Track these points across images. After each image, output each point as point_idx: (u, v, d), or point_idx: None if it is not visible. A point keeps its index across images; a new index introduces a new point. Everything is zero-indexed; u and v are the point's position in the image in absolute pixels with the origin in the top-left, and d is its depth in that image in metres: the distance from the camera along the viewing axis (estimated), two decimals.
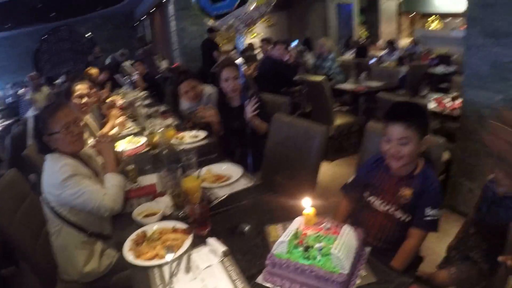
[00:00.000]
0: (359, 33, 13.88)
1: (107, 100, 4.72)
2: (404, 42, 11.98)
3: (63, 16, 13.64)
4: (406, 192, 1.88)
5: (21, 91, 9.59)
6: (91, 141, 2.88)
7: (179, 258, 1.63)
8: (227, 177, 2.42)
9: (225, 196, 2.20)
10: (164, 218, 1.98)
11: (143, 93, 6.13)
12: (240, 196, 2.21)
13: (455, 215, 3.37)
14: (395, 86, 5.90)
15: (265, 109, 3.13)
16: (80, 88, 3.43)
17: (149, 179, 2.51)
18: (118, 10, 15.72)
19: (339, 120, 5.24)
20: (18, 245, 1.99)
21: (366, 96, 5.60)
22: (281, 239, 1.41)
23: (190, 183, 1.98)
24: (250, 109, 2.98)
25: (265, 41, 7.70)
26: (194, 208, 1.78)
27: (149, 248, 1.71)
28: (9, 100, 9.74)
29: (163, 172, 2.19)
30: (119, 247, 1.76)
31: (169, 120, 4.03)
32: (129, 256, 1.68)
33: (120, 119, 3.95)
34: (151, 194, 2.28)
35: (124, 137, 3.48)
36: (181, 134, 3.37)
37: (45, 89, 7.37)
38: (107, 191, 2.08)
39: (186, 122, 3.79)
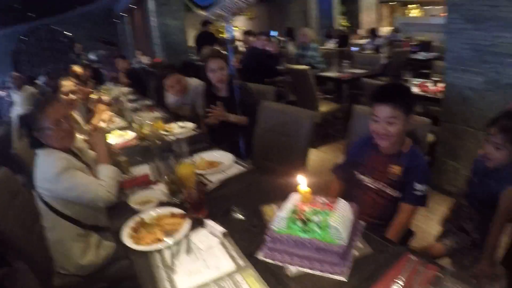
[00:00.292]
0: (340, 22, 13.96)
1: (92, 96, 4.70)
2: (385, 30, 12.09)
3: (41, 15, 13.46)
4: (395, 169, 1.95)
5: (0, 92, 9.44)
6: (79, 136, 2.88)
7: (179, 241, 1.66)
8: (220, 163, 2.46)
9: (220, 181, 2.24)
10: (161, 205, 2.01)
11: (127, 89, 6.12)
12: (234, 181, 2.25)
13: (441, 195, 3.45)
14: (377, 72, 5.99)
15: (251, 99, 3.17)
16: (67, 84, 3.43)
17: (141, 170, 2.52)
18: (96, 8, 15.58)
19: (323, 108, 5.30)
20: (12, 242, 1.95)
21: (350, 83, 5.68)
22: (280, 215, 1.45)
23: (184, 170, 2.01)
24: (218, 113, 3.12)
25: (247, 33, 7.72)
26: (190, 192, 1.81)
27: (148, 234, 1.74)
28: None
29: (157, 161, 2.21)
30: (116, 237, 1.77)
31: (156, 113, 4.04)
32: (128, 242, 1.70)
33: (107, 113, 3.94)
34: (145, 183, 2.30)
35: (111, 131, 3.48)
36: (170, 125, 3.39)
37: (29, 88, 7.28)
38: (102, 182, 2.08)
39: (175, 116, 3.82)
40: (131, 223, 1.84)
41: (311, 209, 1.47)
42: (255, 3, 14.30)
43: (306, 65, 5.57)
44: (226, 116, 3.16)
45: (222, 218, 1.79)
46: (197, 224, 1.77)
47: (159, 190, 2.13)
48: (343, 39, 9.37)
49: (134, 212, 1.95)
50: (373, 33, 9.51)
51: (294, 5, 13.94)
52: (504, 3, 2.88)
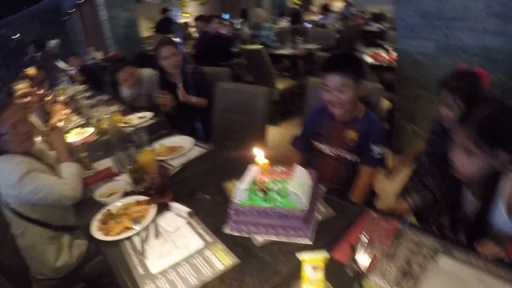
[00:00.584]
0: (292, 0, 13.98)
1: (47, 98, 4.61)
2: (338, 5, 12.18)
3: None
4: (351, 134, 2.02)
5: None
6: (38, 139, 2.83)
7: (147, 226, 1.69)
8: (180, 148, 2.48)
9: (182, 164, 2.26)
10: (126, 194, 2.01)
11: (82, 86, 6.01)
12: (196, 163, 2.29)
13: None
14: (331, 46, 6.06)
15: (207, 82, 3.18)
16: (22, 87, 3.36)
17: (105, 164, 2.51)
18: (44, 7, 15.10)
19: (281, 85, 5.35)
20: None
21: (305, 59, 5.74)
22: (241, 188, 1.49)
23: (145, 157, 2.02)
24: (181, 93, 3.12)
25: (198, 19, 7.64)
26: (153, 178, 1.83)
27: (116, 224, 1.74)
28: None
29: (118, 153, 2.21)
30: (86, 233, 1.77)
31: (113, 107, 3.99)
32: (98, 235, 1.70)
33: (64, 113, 3.88)
34: (108, 176, 2.30)
35: (71, 130, 3.43)
36: (128, 117, 3.37)
37: None
38: (65, 180, 2.08)
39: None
40: (98, 216, 1.84)
41: (270, 179, 1.51)
42: None
43: (261, 44, 5.59)
44: (188, 98, 3.16)
45: (187, 199, 1.82)
46: (163, 208, 1.79)
47: (123, 181, 2.14)
48: (296, 17, 9.42)
49: (101, 205, 1.95)
50: (325, 8, 9.59)
51: None
52: None
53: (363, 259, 1.25)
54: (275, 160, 1.65)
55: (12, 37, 14.53)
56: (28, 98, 3.36)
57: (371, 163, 2.01)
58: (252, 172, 1.59)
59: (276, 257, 1.35)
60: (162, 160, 2.33)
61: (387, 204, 2.27)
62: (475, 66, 1.98)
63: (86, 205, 2.07)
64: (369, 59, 4.42)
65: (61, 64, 8.70)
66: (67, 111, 3.96)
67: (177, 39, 3.67)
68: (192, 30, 9.96)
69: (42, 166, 2.14)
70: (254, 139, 2.66)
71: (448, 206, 1.74)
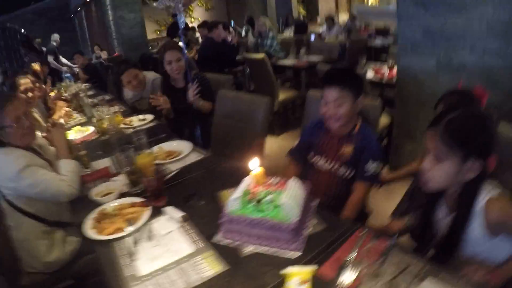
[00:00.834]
0: (298, 10, 14.07)
1: (51, 94, 4.65)
2: (343, 18, 12.26)
3: None
4: (347, 149, 2.04)
5: None
6: (39, 134, 2.86)
7: (140, 228, 1.71)
8: (178, 152, 2.50)
9: (178, 169, 2.29)
10: (121, 195, 2.04)
11: (85, 85, 6.05)
12: (192, 168, 2.31)
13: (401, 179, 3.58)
14: (334, 59, 6.10)
15: (209, 88, 3.21)
16: (25, 82, 3.40)
17: (102, 163, 2.54)
18: (51, 4, 15.17)
19: (282, 95, 5.37)
20: None
21: (307, 70, 5.77)
22: (233, 197, 1.52)
23: (143, 160, 2.05)
24: (192, 92, 3.10)
25: (202, 26, 7.64)
26: (149, 181, 1.85)
27: (110, 224, 1.77)
28: None
29: (117, 154, 2.24)
30: (79, 230, 1.80)
31: (115, 107, 4.03)
32: (91, 233, 1.73)
33: (66, 110, 3.91)
34: (106, 176, 2.33)
35: (71, 127, 3.46)
36: (129, 118, 3.40)
37: None
38: (63, 177, 2.11)
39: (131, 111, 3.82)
40: (93, 215, 1.87)
41: (264, 190, 1.54)
42: None
43: (265, 53, 5.63)
44: (196, 100, 3.18)
45: (181, 204, 1.84)
46: (157, 211, 1.82)
47: (120, 182, 2.16)
48: (301, 27, 9.48)
49: (96, 204, 1.98)
50: (330, 20, 9.64)
51: None
52: None
53: (349, 276, 1.27)
54: (271, 171, 1.67)
55: (19, 32, 14.55)
56: (31, 93, 3.40)
57: (365, 180, 2.02)
58: (247, 182, 1.61)
59: (264, 268, 1.37)
60: (159, 164, 2.35)
61: (379, 222, 2.28)
62: (476, 85, 1.99)
63: (82, 202, 2.10)
64: (371, 74, 4.44)
65: (64, 62, 8.76)
66: (69, 108, 4.00)
67: (180, 44, 3.69)
68: (198, 35, 10.02)
69: (41, 161, 2.17)
70: (252, 148, 2.68)
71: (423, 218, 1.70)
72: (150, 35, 10.78)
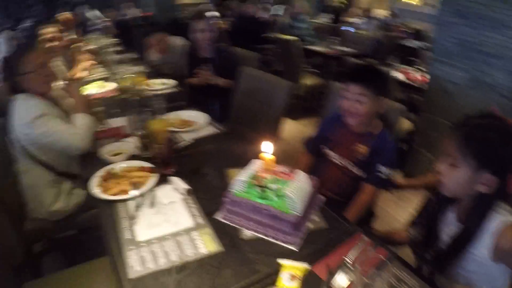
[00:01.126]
0: None
1: (78, 44, 4.65)
2: (380, 12, 12.03)
3: None
4: (362, 149, 2.01)
5: None
6: (60, 83, 2.88)
7: (144, 194, 1.72)
8: (194, 123, 2.50)
9: (191, 140, 2.29)
10: (131, 158, 2.05)
11: (113, 40, 6.04)
12: (205, 141, 2.31)
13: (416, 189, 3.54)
14: (365, 53, 5.99)
15: (231, 63, 3.19)
16: (50, 31, 3.40)
17: (117, 122, 2.55)
18: None
19: (308, 81, 5.32)
20: None
21: (337, 60, 5.67)
22: (240, 178, 1.51)
23: (157, 125, 2.04)
24: (206, 75, 3.19)
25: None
26: (160, 147, 1.86)
27: (115, 184, 1.79)
28: None
29: (132, 115, 2.24)
30: (86, 185, 1.82)
31: (139, 67, 4.03)
32: (96, 191, 1.75)
33: (89, 63, 3.92)
34: (119, 135, 2.34)
35: (92, 81, 3.47)
36: (151, 81, 3.40)
37: (10, 33, 7.14)
38: (77, 130, 2.13)
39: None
40: (101, 173, 1.89)
41: (271, 177, 1.52)
42: None
43: (297, 36, 5.54)
44: (214, 80, 3.18)
45: (188, 176, 1.84)
46: (163, 179, 1.82)
47: (132, 143, 2.17)
48: (338, 16, 9.32)
49: (105, 162, 2.00)
50: (368, 13, 9.46)
51: None
52: (498, 4, 2.88)
53: (341, 281, 1.25)
54: (285, 154, 1.65)
55: None
56: (55, 43, 3.40)
57: (374, 183, 2.00)
58: (255, 166, 1.60)
59: (259, 255, 1.37)
60: (173, 131, 2.36)
61: (384, 227, 2.26)
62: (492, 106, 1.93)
63: (91, 158, 2.13)
64: (399, 75, 4.36)
65: (96, 13, 8.73)
66: (93, 61, 4.00)
67: (213, 13, 3.66)
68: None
69: (57, 111, 2.20)
70: (268, 129, 2.67)
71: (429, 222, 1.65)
72: None
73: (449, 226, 1.48)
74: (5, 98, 2.61)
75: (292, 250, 1.40)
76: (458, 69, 3.26)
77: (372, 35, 7.11)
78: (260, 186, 1.47)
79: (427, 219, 1.73)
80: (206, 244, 1.41)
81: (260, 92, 2.83)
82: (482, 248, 1.32)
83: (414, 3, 14.51)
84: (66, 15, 5.41)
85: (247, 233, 1.47)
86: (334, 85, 2.54)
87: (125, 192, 1.73)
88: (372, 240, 1.46)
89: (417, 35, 7.75)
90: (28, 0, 13.86)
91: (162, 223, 1.54)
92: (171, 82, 3.39)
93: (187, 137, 2.32)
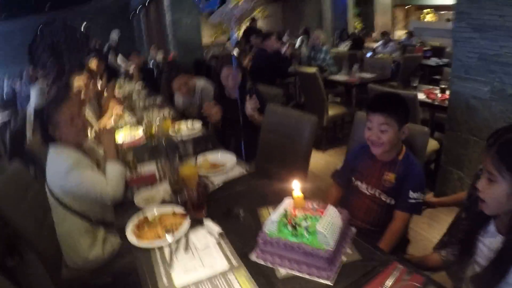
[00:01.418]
0: (354, 24, 13.94)
1: (105, 93, 4.79)
2: (399, 33, 12.06)
3: (56, 7, 13.64)
4: (390, 177, 2.01)
5: (17, 85, 9.60)
6: (92, 133, 2.96)
7: (178, 239, 1.75)
8: (223, 165, 2.53)
9: (221, 182, 2.32)
10: (164, 203, 2.09)
11: (139, 85, 6.21)
12: (235, 183, 2.33)
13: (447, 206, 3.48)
14: (387, 77, 6.00)
15: (263, 102, 3.23)
16: (79, 81, 3.52)
17: (147, 168, 2.61)
18: (112, 2, 15.68)
19: (332, 111, 5.33)
20: (23, 234, 2.07)
21: (359, 87, 5.69)
22: (272, 219, 1.53)
23: (187, 170, 2.09)
24: (250, 106, 3.15)
25: (253, 35, 7.68)
26: (191, 193, 1.89)
27: (150, 231, 1.82)
28: (8, 93, 9.70)
29: (162, 161, 2.29)
30: (120, 233, 1.86)
31: (166, 112, 4.12)
32: (132, 238, 1.78)
33: (118, 110, 4.02)
34: (151, 182, 2.38)
35: (121, 128, 3.56)
36: (178, 124, 3.47)
37: (41, 82, 7.42)
38: (109, 180, 2.17)
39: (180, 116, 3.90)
40: (134, 220, 1.92)
41: (302, 214, 1.54)
42: (265, 4, 14.33)
43: (317, 67, 5.60)
44: (254, 114, 3.22)
45: (220, 219, 1.86)
46: (196, 223, 1.85)
47: (163, 189, 2.21)
48: (357, 42, 9.38)
49: (138, 209, 2.03)
50: (385, 36, 9.49)
51: (309, 5, 13.93)
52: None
53: None
54: (314, 188, 1.66)
55: (79, 28, 15.04)
56: (85, 92, 3.52)
57: (406, 209, 1.99)
58: (286, 205, 1.62)
59: None
60: (203, 176, 2.39)
61: (420, 251, 2.23)
62: None
63: (124, 205, 2.17)
64: (421, 96, 4.34)
65: (121, 60, 9.01)
66: (121, 108, 4.10)
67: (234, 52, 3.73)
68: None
69: (89, 162, 2.25)
70: (296, 166, 2.68)
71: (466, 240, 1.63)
72: (207, 39, 10.94)
73: (489, 239, 1.46)
74: (37, 147, 2.72)
75: (328, 285, 1.39)
76: (479, 83, 3.24)
77: (392, 58, 7.12)
78: (292, 225, 1.49)
79: (461, 236, 1.71)
80: (242, 285, 1.42)
81: (285, 128, 2.86)
82: None
83: (430, 20, 14.54)
84: (92, 63, 5.58)
85: (282, 272, 1.47)
86: (358, 114, 2.56)
87: (159, 238, 1.76)
88: (407, 267, 1.45)
89: (437, 52, 7.72)
90: (54, 50, 14.45)
91: (197, 267, 1.56)
92: (197, 125, 3.45)
93: (216, 180, 2.35)
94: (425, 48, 8.29)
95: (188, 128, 3.41)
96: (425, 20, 14.81)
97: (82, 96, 3.51)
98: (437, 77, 6.30)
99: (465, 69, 3.36)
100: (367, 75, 5.98)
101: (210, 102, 3.38)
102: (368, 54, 7.90)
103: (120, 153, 2.53)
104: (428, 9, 14.72)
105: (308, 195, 1.65)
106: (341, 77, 6.05)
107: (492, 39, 3.07)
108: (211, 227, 1.77)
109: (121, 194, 2.18)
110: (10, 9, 12.55)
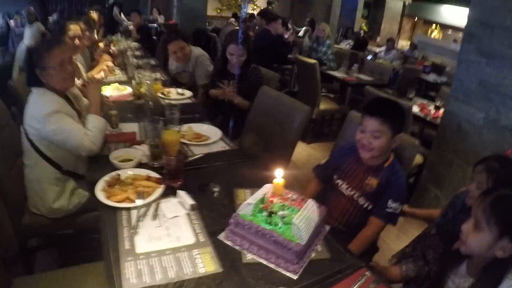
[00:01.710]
0: (360, 25, 13.89)
1: (100, 45, 4.68)
2: (402, 43, 12.06)
3: None
4: (372, 181, 1.97)
5: (12, 23, 9.39)
6: (78, 82, 2.88)
7: (148, 204, 1.69)
8: (206, 137, 2.48)
9: (202, 154, 2.26)
10: (140, 166, 2.03)
11: (135, 44, 6.10)
12: (216, 157, 2.27)
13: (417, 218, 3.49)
14: (384, 83, 5.99)
15: (258, 86, 3.16)
16: (74, 28, 3.42)
17: (130, 127, 2.55)
18: None
19: (323, 105, 5.31)
20: None
21: (355, 87, 5.68)
22: (248, 201, 1.48)
23: (170, 136, 2.03)
24: (228, 91, 3.16)
25: (262, 16, 7.57)
26: (170, 159, 1.83)
27: (120, 191, 1.76)
28: (1, 29, 9.47)
29: (146, 122, 2.22)
30: (91, 188, 1.80)
31: (158, 75, 4.05)
32: (100, 195, 1.73)
33: (109, 64, 3.92)
34: (130, 141, 2.33)
35: (110, 83, 3.48)
36: (168, 89, 3.40)
37: (39, 25, 7.25)
38: (88, 131, 2.12)
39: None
40: (107, 178, 1.87)
41: (280, 203, 1.50)
42: None
43: (317, 59, 5.55)
44: (235, 98, 3.19)
45: (195, 191, 1.81)
46: (169, 192, 1.80)
47: (142, 151, 2.15)
48: (360, 43, 9.33)
49: (112, 167, 1.98)
50: (390, 43, 9.45)
51: None
52: None
53: None
54: (294, 178, 1.62)
55: None
56: (79, 40, 3.43)
57: (382, 217, 1.95)
58: (265, 189, 1.58)
59: (258, 281, 1.33)
60: (185, 144, 2.34)
61: (385, 260, 2.22)
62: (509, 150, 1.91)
63: (99, 161, 2.11)
64: (415, 109, 4.32)
65: (122, 17, 8.84)
66: (113, 63, 4.01)
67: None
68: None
69: (71, 111, 2.20)
70: (280, 153, 2.64)
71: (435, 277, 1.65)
72: (210, 11, 10.76)
73: (459, 280, 1.48)
74: (21, 88, 2.63)
75: (291, 278, 1.36)
76: (476, 108, 3.23)
77: (392, 66, 7.11)
78: (268, 211, 1.44)
79: (434, 265, 1.71)
80: (205, 264, 1.38)
81: (276, 113, 2.80)
82: None
83: (435, 36, 14.58)
84: (93, 14, 5.47)
85: (248, 256, 1.44)
86: (352, 114, 2.51)
87: (129, 200, 1.70)
88: (375, 275, 1.42)
89: (437, 69, 7.72)
90: None
91: (163, 237, 1.51)
92: (187, 93, 3.40)
93: (198, 151, 2.30)
94: (425, 63, 8.29)
95: (178, 94, 3.35)
96: (431, 36, 14.83)
97: (76, 43, 3.39)
98: (432, 93, 6.30)
99: (464, 92, 3.35)
100: (364, 77, 5.96)
101: (231, 84, 3.31)
102: (369, 57, 7.86)
103: (104, 106, 2.45)
104: (435, 25, 14.74)
105: (286, 182, 1.60)
106: (339, 73, 6.01)
107: (497, 67, 3.05)
108: (184, 198, 1.72)
109: (97, 147, 2.13)
110: None
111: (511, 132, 2.96)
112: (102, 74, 3.47)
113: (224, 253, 1.44)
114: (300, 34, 9.56)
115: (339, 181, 2.11)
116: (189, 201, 1.70)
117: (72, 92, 2.35)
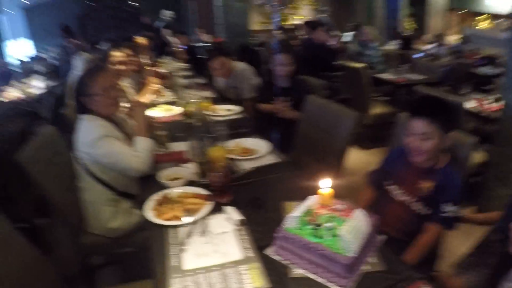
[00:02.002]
0: (406, 25, 13.54)
1: (147, 68, 4.80)
2: (452, 38, 11.64)
3: None
4: (426, 185, 1.87)
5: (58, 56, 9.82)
6: (125, 106, 2.96)
7: (196, 221, 1.71)
8: (255, 151, 2.48)
9: (250, 168, 2.26)
10: (189, 183, 2.06)
11: (183, 65, 6.22)
12: (265, 171, 2.26)
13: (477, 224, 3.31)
14: (435, 81, 5.78)
15: (305, 95, 3.12)
16: (118, 55, 3.53)
17: (179, 146, 2.58)
18: None
19: (376, 109, 5.17)
20: (50, 197, 2.10)
21: (407, 88, 5.49)
22: (293, 214, 1.45)
23: (215, 152, 2.03)
24: (280, 106, 3.17)
25: (307, 24, 7.55)
26: (216, 176, 1.84)
27: (168, 209, 1.79)
28: (55, 63, 9.92)
29: (194, 141, 2.25)
30: (140, 207, 1.85)
31: (206, 93, 4.10)
32: (149, 214, 1.78)
33: (156, 87, 4.01)
34: (179, 160, 2.36)
35: (159, 104, 3.56)
36: (216, 106, 3.44)
37: (86, 54, 7.56)
38: (137, 153, 2.18)
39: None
40: (156, 196, 1.91)
41: (327, 214, 1.46)
42: None
43: (366, 63, 5.44)
44: (287, 113, 3.20)
45: (243, 206, 1.81)
46: (218, 208, 1.80)
47: (191, 169, 2.18)
48: (408, 42, 9.09)
49: (162, 186, 2.02)
50: (439, 39, 9.15)
51: (361, 1, 13.63)
52: None
53: None
54: (348, 187, 1.57)
55: (131, 4, 15.12)
56: (124, 66, 3.53)
57: (439, 222, 1.85)
58: (311, 201, 1.54)
59: None
60: (233, 159, 2.34)
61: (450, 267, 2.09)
62: None
63: (149, 180, 2.17)
64: (472, 104, 4.12)
65: (170, 39, 9.06)
66: (161, 85, 4.10)
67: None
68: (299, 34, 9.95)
69: (119, 134, 2.27)
70: (332, 160, 2.59)
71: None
72: (254, 26, 10.85)
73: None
74: (73, 116, 2.75)
75: None
76: None
77: (444, 62, 6.87)
78: (314, 223, 1.41)
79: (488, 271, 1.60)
80: (253, 279, 1.36)
81: (324, 121, 2.76)
82: None
83: (487, 28, 13.98)
84: (140, 40, 5.64)
85: (297, 271, 1.40)
86: (402, 115, 2.42)
87: (177, 218, 1.73)
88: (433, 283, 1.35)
89: (491, 61, 7.39)
90: (107, 22, 14.64)
91: (211, 253, 1.51)
92: (235, 108, 3.42)
93: (247, 166, 2.29)
94: (477, 56, 7.94)
95: (226, 110, 3.37)
96: (480, 27, 14.25)
97: (121, 68, 3.50)
98: (488, 87, 6.02)
99: None
100: (415, 77, 5.77)
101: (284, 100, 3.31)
102: (418, 55, 7.62)
103: (152, 127, 2.51)
104: (484, 16, 14.14)
105: (340, 192, 1.56)
106: (388, 76, 5.87)
107: None
108: (232, 214, 1.72)
109: (147, 168, 2.18)
110: None
111: None
112: (149, 96, 3.56)
113: (272, 268, 1.42)
114: (348, 39, 9.44)
115: (392, 187, 2.03)
116: (236, 216, 1.70)
117: (119, 116, 2.42)
